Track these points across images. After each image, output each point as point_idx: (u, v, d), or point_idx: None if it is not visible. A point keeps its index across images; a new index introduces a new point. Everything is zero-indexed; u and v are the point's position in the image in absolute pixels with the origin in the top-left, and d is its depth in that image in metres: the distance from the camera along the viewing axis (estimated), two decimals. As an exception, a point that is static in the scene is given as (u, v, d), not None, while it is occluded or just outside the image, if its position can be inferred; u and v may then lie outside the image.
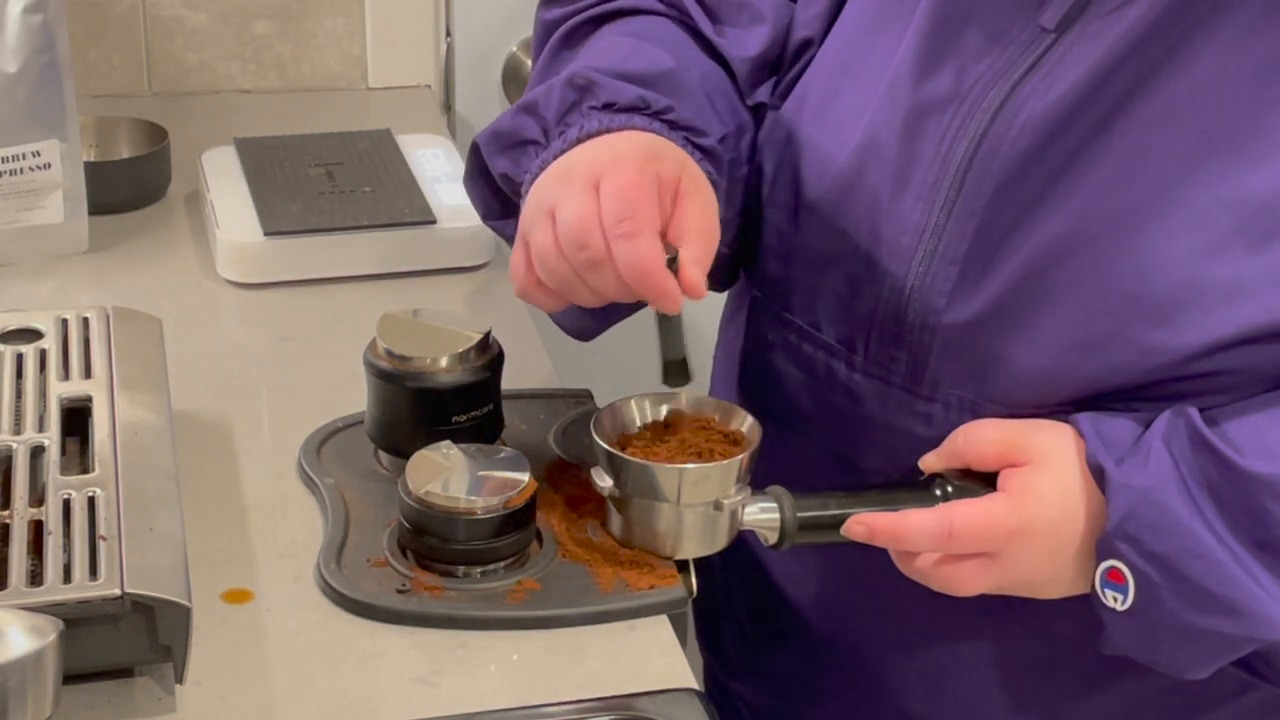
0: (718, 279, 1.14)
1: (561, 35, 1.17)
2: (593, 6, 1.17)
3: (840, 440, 1.07)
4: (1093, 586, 0.95)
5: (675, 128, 1.04)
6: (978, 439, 0.97)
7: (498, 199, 1.12)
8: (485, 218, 1.14)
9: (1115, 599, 0.93)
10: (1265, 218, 0.92)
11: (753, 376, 1.15)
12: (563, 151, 1.02)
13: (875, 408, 1.05)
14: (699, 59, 1.12)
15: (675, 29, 1.14)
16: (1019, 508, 0.95)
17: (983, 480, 0.97)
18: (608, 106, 1.03)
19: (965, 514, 0.95)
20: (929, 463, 1.00)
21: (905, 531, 0.96)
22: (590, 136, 1.02)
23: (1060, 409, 0.97)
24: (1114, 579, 0.93)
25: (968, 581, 0.97)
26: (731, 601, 1.23)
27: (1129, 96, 0.95)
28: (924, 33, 1.02)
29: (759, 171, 1.12)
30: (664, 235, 0.96)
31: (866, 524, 0.97)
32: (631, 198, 0.95)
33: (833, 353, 1.07)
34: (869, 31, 1.07)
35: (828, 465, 1.08)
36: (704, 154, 1.05)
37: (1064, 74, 0.96)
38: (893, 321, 1.02)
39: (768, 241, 1.11)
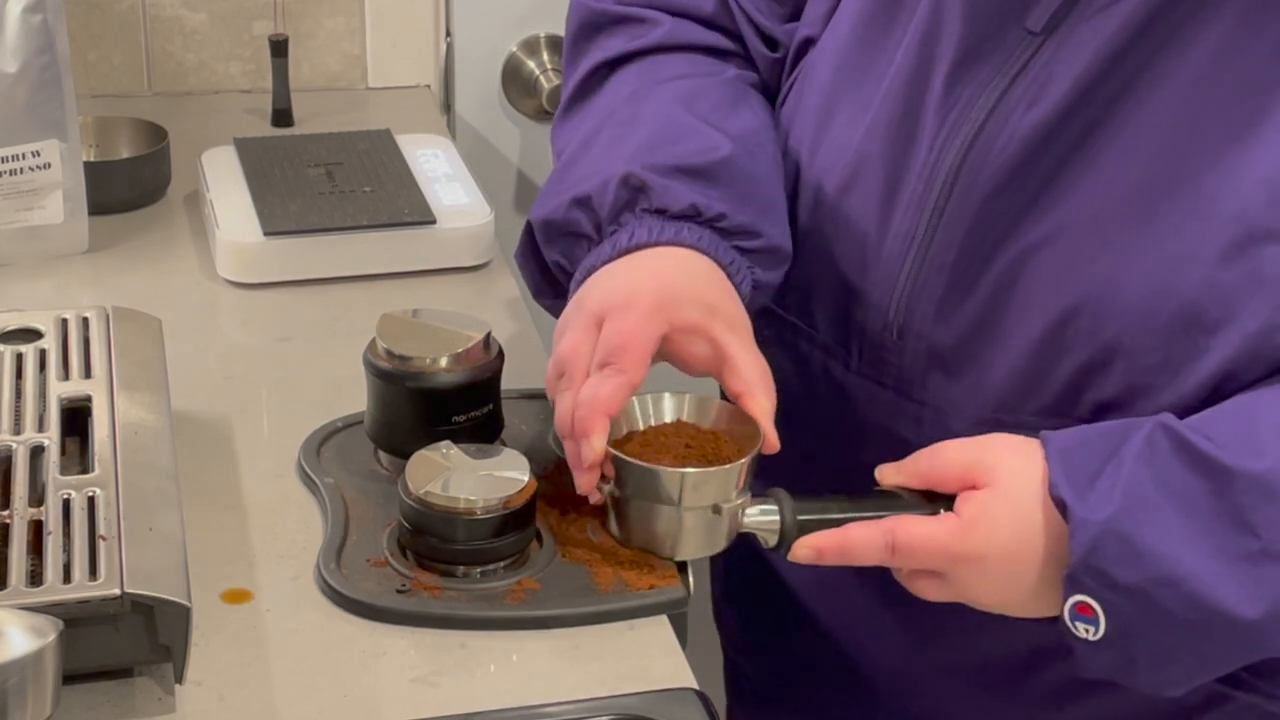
0: None
1: (593, 69, 1.16)
2: (632, 22, 1.16)
3: (831, 437, 1.08)
4: (1061, 619, 0.92)
5: (726, 235, 1.03)
6: (942, 460, 0.95)
7: (548, 281, 1.12)
8: (536, 296, 1.14)
9: (1086, 630, 0.91)
10: (1235, 226, 0.91)
11: None
12: (611, 257, 1.03)
13: (867, 408, 1.05)
14: (748, 119, 1.11)
15: (719, 76, 1.13)
16: (969, 534, 0.93)
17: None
18: (659, 212, 1.03)
19: (908, 531, 0.94)
20: (885, 476, 0.98)
21: (849, 546, 0.95)
22: (638, 248, 1.02)
23: (1044, 413, 0.97)
24: (1083, 612, 0.91)
25: (927, 593, 0.97)
26: (735, 587, 1.23)
27: (1114, 104, 0.94)
28: (917, 39, 1.02)
29: None
30: (724, 388, 0.99)
31: (813, 546, 0.96)
32: (619, 344, 0.96)
33: (829, 352, 1.07)
34: (866, 36, 1.07)
35: (817, 460, 1.07)
36: (754, 257, 1.04)
37: (1051, 81, 0.96)
38: (884, 327, 1.03)
39: (767, 243, 1.11)
